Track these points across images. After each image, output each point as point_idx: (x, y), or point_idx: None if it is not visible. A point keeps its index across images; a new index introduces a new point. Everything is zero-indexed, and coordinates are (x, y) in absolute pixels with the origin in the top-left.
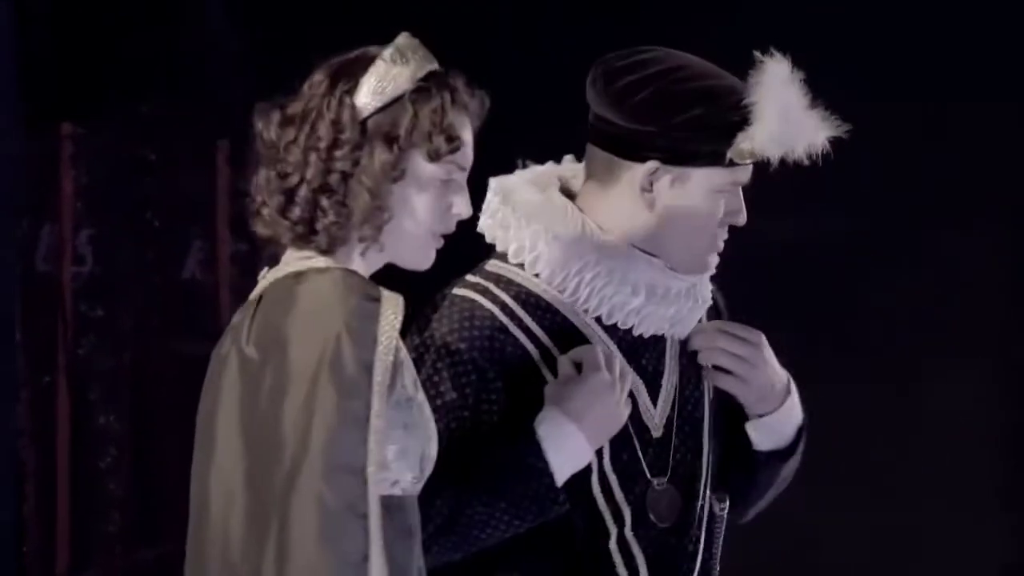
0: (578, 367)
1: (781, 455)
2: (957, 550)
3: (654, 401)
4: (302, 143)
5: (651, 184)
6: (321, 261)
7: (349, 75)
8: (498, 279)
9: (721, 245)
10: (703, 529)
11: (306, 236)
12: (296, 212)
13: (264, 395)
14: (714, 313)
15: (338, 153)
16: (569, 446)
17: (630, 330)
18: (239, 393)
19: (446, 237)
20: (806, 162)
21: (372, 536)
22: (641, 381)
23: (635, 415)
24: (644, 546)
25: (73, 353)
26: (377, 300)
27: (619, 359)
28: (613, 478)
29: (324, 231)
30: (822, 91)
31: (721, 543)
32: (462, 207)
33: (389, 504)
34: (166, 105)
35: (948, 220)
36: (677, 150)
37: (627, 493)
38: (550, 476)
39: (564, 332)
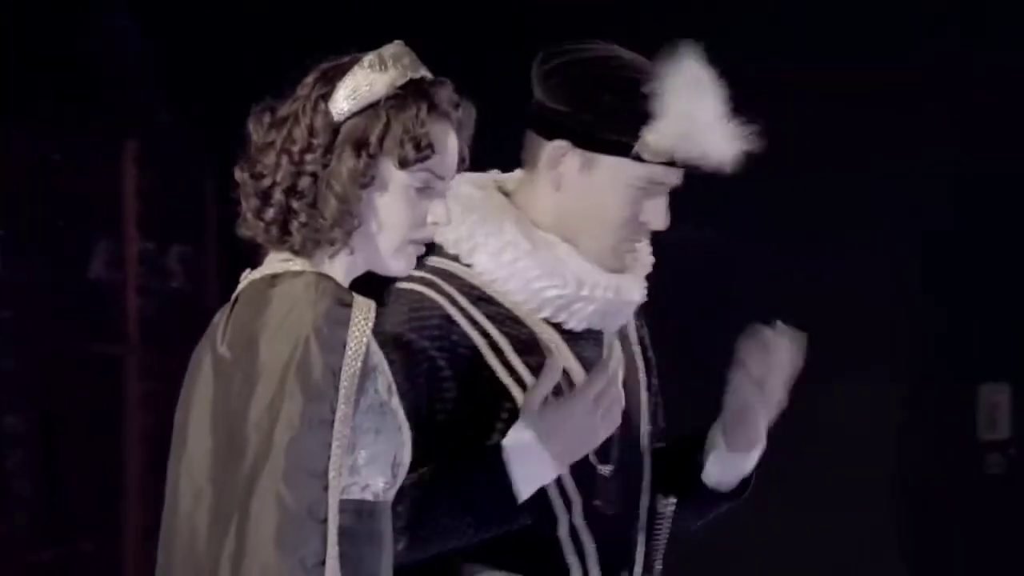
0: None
1: (723, 496)
2: (852, 551)
3: None
4: (278, 145)
5: (559, 163)
6: (298, 264)
7: (329, 79)
8: (442, 272)
9: (638, 246)
10: (647, 523)
11: (280, 238)
12: (270, 214)
13: (234, 394)
14: (644, 323)
15: (309, 157)
16: (535, 467)
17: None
18: (212, 392)
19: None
20: (726, 172)
21: (329, 541)
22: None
23: None
24: (594, 535)
25: None
26: (348, 305)
27: (612, 374)
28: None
29: (297, 233)
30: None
31: (664, 541)
32: (440, 215)
33: (360, 509)
34: (72, 105)
35: (837, 227)
36: (586, 134)
37: (576, 481)
38: (514, 497)
39: (509, 322)
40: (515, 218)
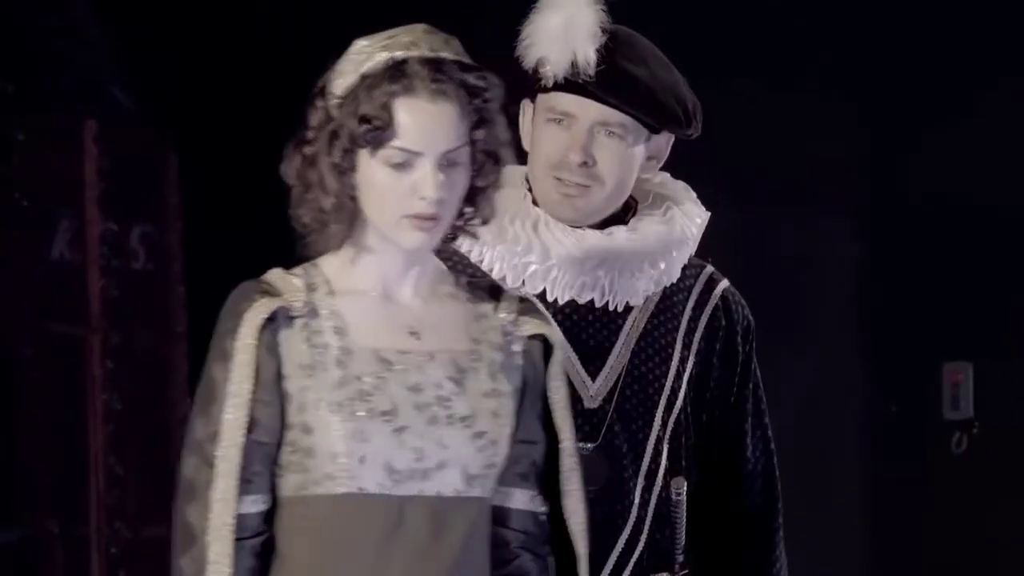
0: None
1: None
2: (817, 529)
3: (593, 374)
4: (295, 141)
5: (524, 123)
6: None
7: (332, 68)
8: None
9: (566, 184)
10: (639, 508)
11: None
12: (300, 209)
13: None
14: (721, 318)
15: (308, 150)
16: None
17: (571, 301)
18: None
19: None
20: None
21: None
22: (576, 354)
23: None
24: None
25: None
26: (240, 313)
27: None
28: None
29: (307, 226)
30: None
31: (682, 527)
32: (426, 189)
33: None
34: (32, 84)
35: (796, 204)
36: (528, 85)
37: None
38: None
39: None
40: (516, 205)
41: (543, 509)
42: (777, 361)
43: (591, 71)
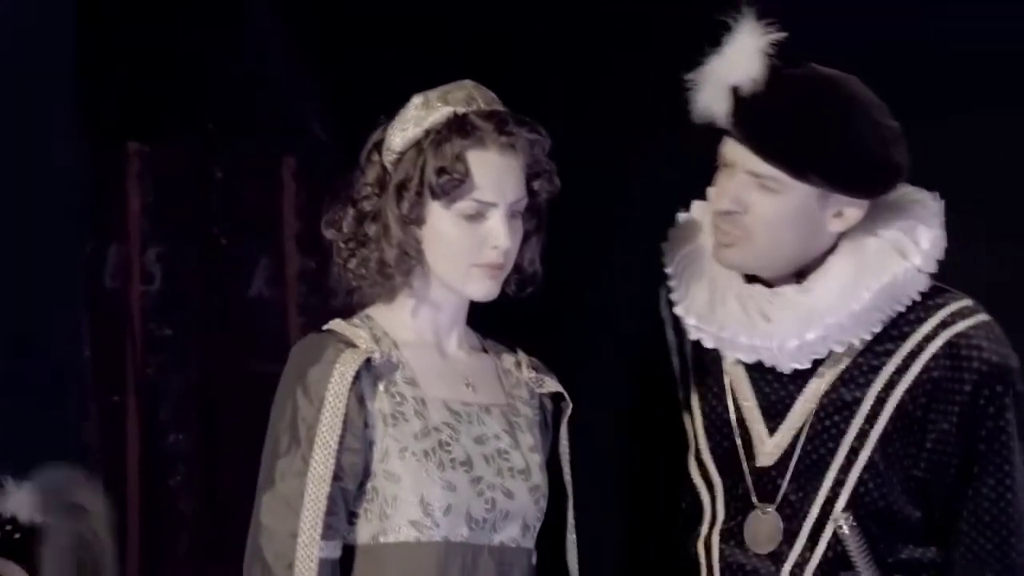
0: None
1: None
2: None
3: (772, 430)
4: (347, 197)
5: None
6: (339, 322)
7: (385, 126)
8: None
9: (722, 231)
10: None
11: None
12: (352, 264)
13: None
14: (940, 367)
15: (366, 204)
16: None
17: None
18: None
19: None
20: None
21: None
22: (758, 409)
23: (747, 441)
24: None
25: (142, 371)
26: (331, 362)
27: None
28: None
29: (362, 279)
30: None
31: (866, 555)
32: (500, 239)
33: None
34: (232, 121)
35: None
36: None
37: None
38: None
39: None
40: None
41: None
42: None
43: (732, 118)
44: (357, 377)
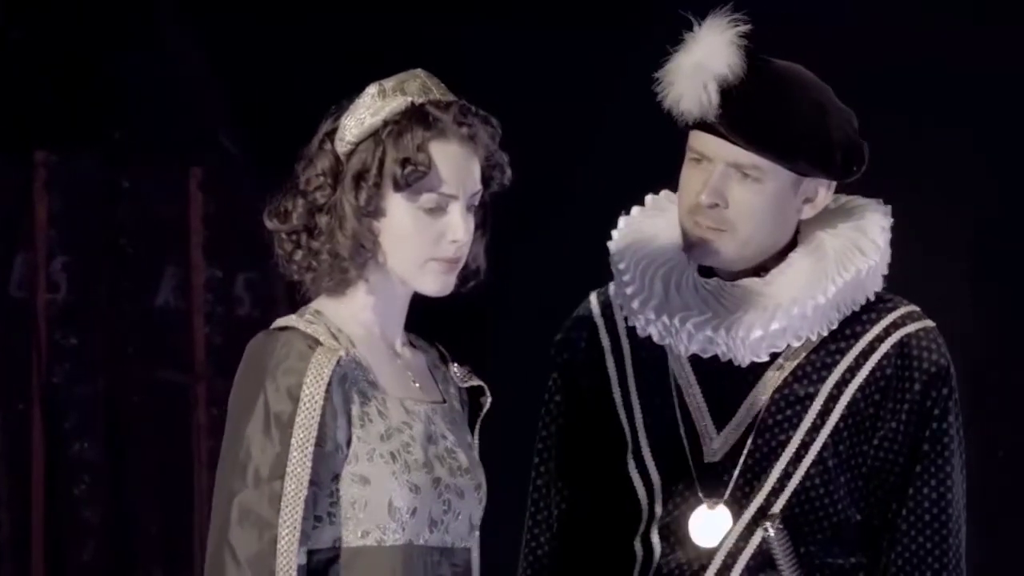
0: None
1: None
2: None
3: (719, 427)
4: (295, 187)
5: None
6: (293, 319)
7: (336, 116)
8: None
9: (700, 227)
10: (726, 556)
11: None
12: (298, 255)
13: None
14: (893, 365)
15: (319, 195)
16: None
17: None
18: None
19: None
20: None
21: None
22: (706, 405)
23: (693, 437)
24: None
25: (47, 380)
26: (305, 358)
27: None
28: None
29: (314, 271)
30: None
31: (791, 560)
32: (457, 233)
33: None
34: (139, 132)
35: None
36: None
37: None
38: None
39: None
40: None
41: None
42: None
43: (717, 110)
44: (332, 376)
